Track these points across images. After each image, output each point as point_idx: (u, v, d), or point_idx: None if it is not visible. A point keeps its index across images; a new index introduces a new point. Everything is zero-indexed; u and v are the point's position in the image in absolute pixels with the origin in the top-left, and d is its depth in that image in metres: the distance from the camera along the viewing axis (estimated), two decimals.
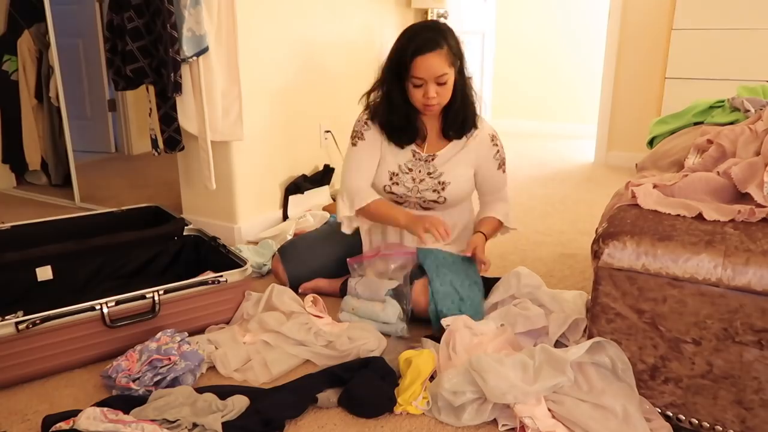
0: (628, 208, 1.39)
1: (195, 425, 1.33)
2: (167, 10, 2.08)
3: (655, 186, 1.44)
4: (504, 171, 1.94)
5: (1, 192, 3.52)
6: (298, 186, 2.76)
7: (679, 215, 1.33)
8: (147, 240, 2.09)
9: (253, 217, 2.61)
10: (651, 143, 2.28)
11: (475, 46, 4.19)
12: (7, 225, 2.06)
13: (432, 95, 1.71)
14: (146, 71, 2.25)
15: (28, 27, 3.31)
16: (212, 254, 2.07)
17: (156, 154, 2.41)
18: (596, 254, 1.31)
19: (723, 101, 2.17)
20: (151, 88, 2.31)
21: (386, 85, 1.79)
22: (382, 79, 1.81)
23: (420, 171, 1.87)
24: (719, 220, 1.29)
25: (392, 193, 1.89)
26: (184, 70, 2.21)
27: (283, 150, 2.74)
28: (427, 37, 1.69)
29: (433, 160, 1.87)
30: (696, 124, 2.16)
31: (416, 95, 1.74)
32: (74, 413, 1.33)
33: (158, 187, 3.42)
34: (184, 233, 2.18)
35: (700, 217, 1.31)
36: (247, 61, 2.36)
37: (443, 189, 1.86)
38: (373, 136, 1.88)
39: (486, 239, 1.90)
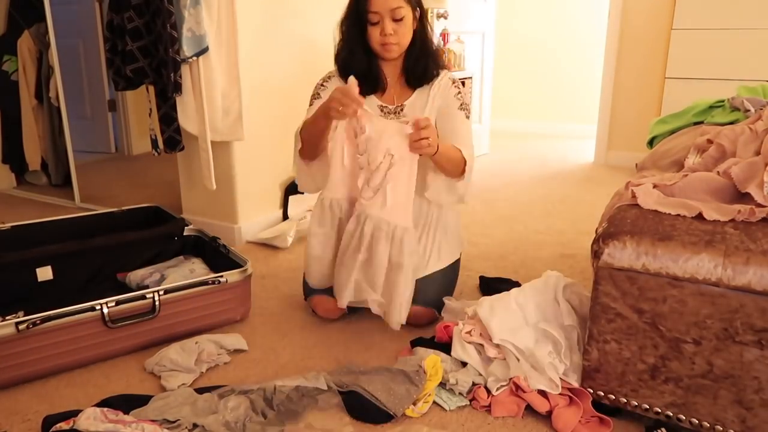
0: (628, 208, 1.39)
1: (195, 425, 1.33)
2: (167, 10, 2.08)
3: (655, 186, 1.44)
4: (467, 116, 1.82)
5: (1, 192, 3.52)
6: (298, 186, 2.76)
7: (679, 215, 1.33)
8: (147, 240, 2.09)
9: (253, 217, 2.61)
10: (651, 143, 2.28)
11: (475, 46, 4.19)
12: (7, 225, 2.06)
13: (389, 31, 1.68)
14: (146, 71, 2.25)
15: (28, 27, 3.31)
16: (212, 254, 2.07)
17: (156, 154, 2.41)
18: (596, 254, 1.31)
19: (723, 101, 2.17)
20: (151, 88, 2.31)
21: (346, 34, 1.77)
22: (342, 31, 1.78)
23: None
24: (719, 220, 1.29)
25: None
26: (184, 70, 2.21)
27: (283, 150, 2.73)
28: None
29: (401, 110, 1.82)
30: (696, 124, 2.16)
31: (374, 34, 1.70)
32: (74, 413, 1.33)
33: (158, 187, 3.42)
34: (184, 233, 2.18)
35: (700, 217, 1.31)
36: (247, 61, 2.36)
37: None
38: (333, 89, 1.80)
39: (437, 150, 1.60)
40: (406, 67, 1.81)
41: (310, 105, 1.83)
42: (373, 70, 1.79)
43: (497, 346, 1.50)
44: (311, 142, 1.72)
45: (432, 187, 1.75)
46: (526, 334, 1.50)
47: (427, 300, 1.80)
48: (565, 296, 1.58)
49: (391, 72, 1.82)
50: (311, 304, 1.89)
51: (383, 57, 1.76)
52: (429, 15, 3.75)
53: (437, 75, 1.82)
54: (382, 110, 1.82)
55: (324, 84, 1.85)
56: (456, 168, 1.70)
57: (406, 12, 1.69)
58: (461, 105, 1.82)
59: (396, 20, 1.68)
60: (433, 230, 1.89)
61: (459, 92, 1.83)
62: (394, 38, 1.70)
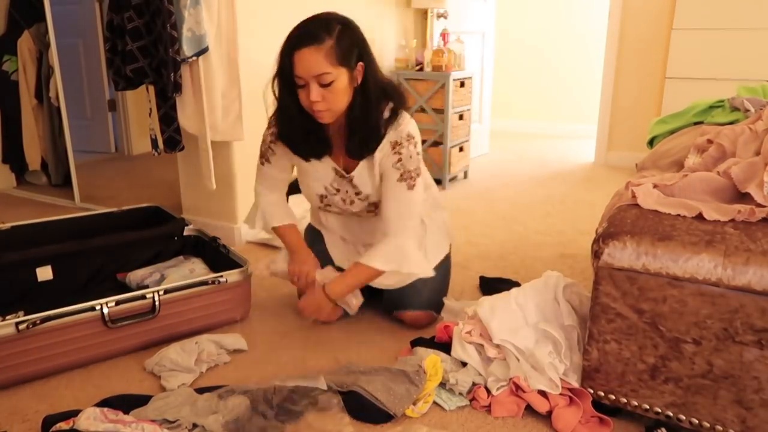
0: (628, 208, 1.39)
1: (195, 425, 1.33)
2: (167, 10, 2.08)
3: (655, 186, 1.44)
4: (409, 187, 1.62)
5: (1, 192, 3.52)
6: (297, 186, 2.75)
7: (679, 215, 1.33)
8: (147, 240, 2.09)
9: None
10: (651, 143, 2.28)
11: (475, 46, 4.19)
12: (7, 225, 2.06)
13: (315, 98, 1.48)
14: (146, 71, 2.25)
15: (28, 27, 3.31)
16: (212, 254, 2.07)
17: (156, 154, 2.41)
18: (596, 254, 1.31)
19: (723, 101, 2.17)
20: (151, 88, 2.31)
21: (279, 96, 1.59)
22: (274, 91, 1.60)
23: (347, 191, 1.71)
24: (719, 220, 1.29)
25: (328, 211, 1.83)
26: (184, 70, 2.21)
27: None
28: (307, 30, 1.50)
29: (352, 180, 1.68)
30: (696, 124, 2.16)
31: (303, 98, 1.52)
32: (74, 413, 1.33)
33: (158, 187, 3.42)
34: (184, 233, 2.18)
35: (700, 217, 1.31)
36: (247, 61, 2.36)
37: (376, 207, 1.73)
38: (280, 158, 1.74)
39: (329, 297, 1.71)
40: (347, 136, 1.62)
41: (261, 164, 1.78)
42: (315, 133, 1.63)
43: (497, 346, 1.50)
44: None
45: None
46: (526, 335, 1.50)
47: (422, 302, 1.80)
48: (565, 296, 1.58)
49: (336, 131, 1.65)
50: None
51: (318, 120, 1.58)
52: (429, 15, 3.76)
53: (384, 136, 1.61)
54: (336, 173, 1.70)
55: (272, 147, 1.73)
56: (370, 278, 1.70)
57: (336, 76, 1.48)
58: (401, 176, 1.62)
59: (323, 85, 1.48)
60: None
61: (399, 159, 1.61)
62: (322, 105, 1.51)
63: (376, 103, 1.58)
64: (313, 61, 1.46)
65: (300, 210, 2.76)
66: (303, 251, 1.82)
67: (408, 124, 1.64)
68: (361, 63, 1.54)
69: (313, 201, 1.81)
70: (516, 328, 1.51)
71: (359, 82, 1.55)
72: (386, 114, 1.62)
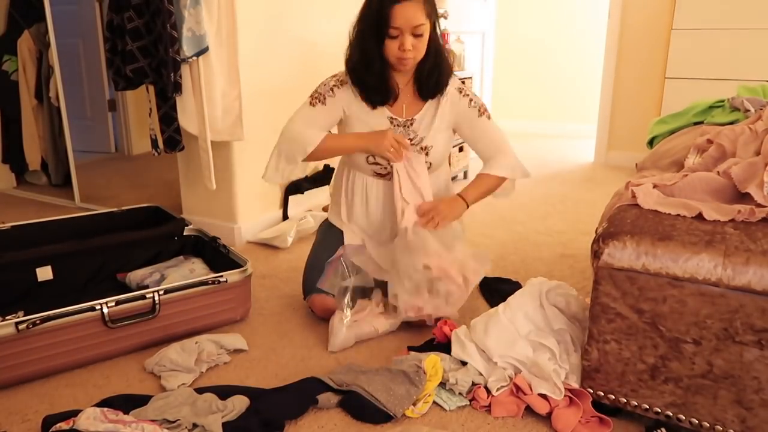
0: (628, 208, 1.39)
1: (195, 425, 1.33)
2: (167, 10, 2.08)
3: (655, 186, 1.44)
4: (488, 117, 1.86)
5: (1, 192, 3.52)
6: (298, 186, 2.76)
7: (679, 215, 1.33)
8: (147, 240, 2.09)
9: (253, 217, 2.61)
10: (651, 143, 2.29)
11: (475, 46, 4.19)
12: (7, 225, 2.06)
13: (408, 47, 1.66)
14: (146, 71, 2.25)
15: (28, 27, 3.31)
16: (212, 254, 2.07)
17: (156, 154, 2.41)
18: (596, 254, 1.31)
19: (723, 101, 2.17)
20: (151, 88, 2.31)
21: (361, 42, 1.72)
22: (356, 38, 1.74)
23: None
24: (719, 220, 1.29)
25: (377, 163, 1.83)
26: (184, 70, 2.21)
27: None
28: None
29: (411, 124, 1.82)
30: (696, 124, 2.16)
31: (391, 48, 1.68)
32: (74, 413, 1.33)
33: (158, 187, 3.42)
34: (184, 233, 2.18)
35: (700, 217, 1.31)
36: (247, 61, 2.36)
37: (427, 154, 1.83)
38: (336, 104, 1.81)
39: (467, 204, 1.84)
40: (417, 79, 1.79)
41: (311, 105, 1.81)
42: (387, 82, 1.77)
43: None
44: (327, 154, 1.83)
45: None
46: (523, 345, 1.51)
47: None
48: (549, 300, 1.58)
49: (402, 82, 1.81)
50: (310, 303, 1.90)
51: (397, 70, 1.75)
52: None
53: (446, 85, 1.81)
54: (392, 122, 1.81)
55: (333, 90, 1.80)
56: (497, 186, 1.88)
57: (426, 27, 1.68)
58: (479, 110, 1.83)
59: (416, 36, 1.67)
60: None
61: (471, 99, 1.83)
62: (412, 53, 1.68)
63: (443, 53, 1.79)
64: (412, 13, 1.63)
65: (300, 210, 2.77)
66: (369, 132, 1.80)
67: (456, 78, 1.87)
68: (434, 18, 1.73)
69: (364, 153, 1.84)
70: (512, 342, 1.52)
71: (433, 34, 1.74)
72: None
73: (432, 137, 1.82)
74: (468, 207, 1.84)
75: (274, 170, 1.85)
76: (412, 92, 1.82)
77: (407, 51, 1.67)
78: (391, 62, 1.72)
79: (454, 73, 1.87)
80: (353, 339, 1.73)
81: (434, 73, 1.77)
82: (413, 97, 1.82)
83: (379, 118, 1.81)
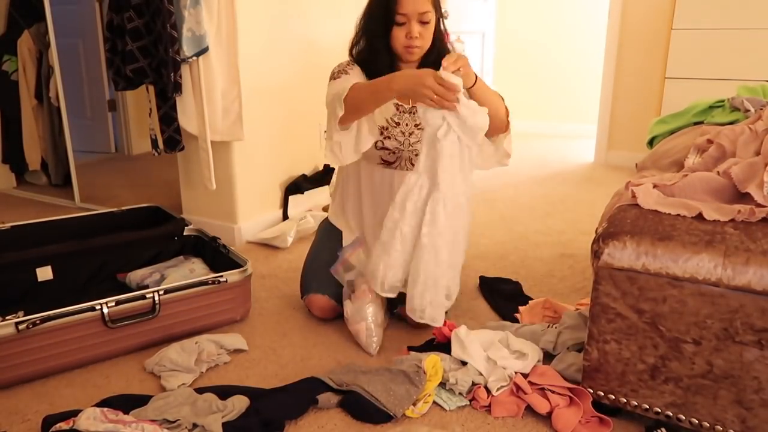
0: (628, 208, 1.39)
1: (195, 425, 1.33)
2: (167, 10, 2.08)
3: (655, 186, 1.44)
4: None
5: (1, 192, 3.52)
6: (298, 186, 2.76)
7: (679, 215, 1.33)
8: (147, 240, 2.09)
9: (253, 217, 2.61)
10: (651, 143, 2.28)
11: (475, 46, 4.19)
12: (7, 225, 2.06)
13: (415, 35, 1.67)
14: (146, 71, 2.25)
15: (28, 27, 3.31)
16: (212, 254, 2.06)
17: (156, 154, 2.41)
18: (596, 254, 1.31)
19: (723, 101, 2.17)
20: (151, 88, 2.31)
21: (369, 30, 1.75)
22: (364, 27, 1.77)
23: (407, 124, 1.82)
24: (719, 220, 1.29)
25: (385, 148, 1.81)
26: (184, 70, 2.21)
27: (283, 150, 2.74)
28: None
29: (416, 111, 1.80)
30: (696, 124, 2.16)
31: (399, 36, 1.69)
32: (74, 413, 1.33)
33: (158, 187, 3.42)
34: (184, 233, 2.18)
35: (700, 217, 1.31)
36: (247, 61, 2.36)
37: None
38: (353, 78, 1.75)
39: (476, 81, 1.60)
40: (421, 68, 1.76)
41: (336, 79, 1.75)
42: (393, 70, 1.73)
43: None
44: (361, 105, 1.61)
45: (481, 155, 1.69)
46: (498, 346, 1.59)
47: None
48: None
49: (408, 68, 1.78)
50: (307, 302, 1.90)
51: (404, 58, 1.75)
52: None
53: None
54: (398, 108, 1.82)
55: (347, 70, 1.77)
56: (499, 105, 1.68)
57: (432, 15, 1.69)
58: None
59: (423, 23, 1.68)
60: None
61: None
62: (419, 41, 1.69)
63: (446, 44, 1.80)
64: (419, 0, 1.65)
65: (300, 210, 2.77)
66: (402, 71, 1.63)
67: None
68: (438, 8, 1.74)
69: (374, 134, 1.77)
70: (488, 344, 1.58)
71: (438, 25, 1.74)
72: None
73: None
74: (475, 83, 1.61)
75: (335, 146, 1.71)
76: None
77: (414, 39, 1.68)
78: (398, 52, 1.73)
79: None
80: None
81: (438, 64, 1.76)
82: None
83: (386, 106, 1.80)
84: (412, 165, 1.82)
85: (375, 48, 1.74)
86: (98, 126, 4.15)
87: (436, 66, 1.54)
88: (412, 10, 1.66)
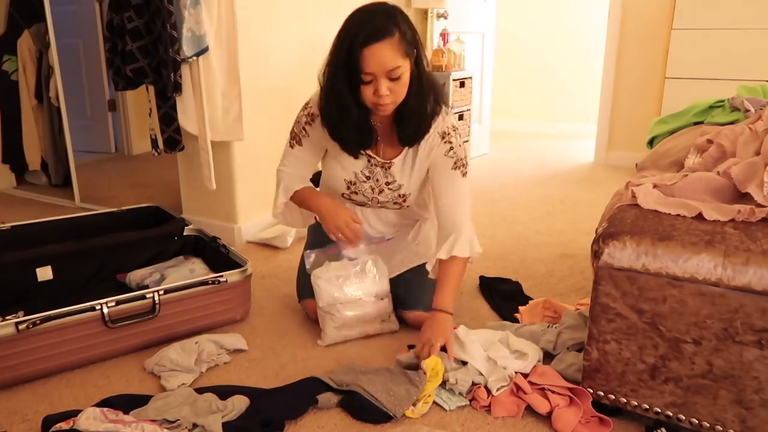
0: (628, 208, 1.39)
1: (195, 425, 1.33)
2: (167, 10, 2.08)
3: (655, 186, 1.44)
4: (463, 174, 1.65)
5: (1, 192, 3.52)
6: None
7: (679, 215, 1.33)
8: (147, 240, 2.09)
9: (253, 217, 2.61)
10: (651, 143, 2.28)
11: (475, 46, 4.19)
12: (7, 225, 2.06)
13: (384, 93, 1.47)
14: (146, 71, 2.25)
15: (28, 27, 3.31)
16: (212, 254, 2.06)
17: (156, 154, 2.41)
18: (596, 254, 1.31)
19: (723, 101, 2.17)
20: (151, 88, 2.31)
21: (334, 88, 1.52)
22: (328, 83, 1.54)
23: (378, 180, 1.70)
24: (719, 220, 1.29)
25: (351, 200, 1.77)
26: (184, 70, 2.21)
27: (283, 150, 2.73)
28: (375, 23, 1.43)
29: (390, 167, 1.68)
30: (696, 124, 2.16)
31: (367, 93, 1.49)
32: (74, 413, 1.33)
33: (158, 187, 3.42)
34: (184, 233, 2.18)
35: (700, 217, 1.31)
36: (247, 61, 2.36)
37: (404, 201, 1.74)
38: (312, 141, 1.70)
39: (450, 313, 1.62)
40: (397, 122, 1.61)
41: (291, 147, 1.74)
42: (366, 129, 1.61)
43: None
44: (302, 207, 1.80)
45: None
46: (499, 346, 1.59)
47: (426, 303, 1.80)
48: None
49: (383, 123, 1.65)
50: (304, 306, 1.90)
51: (376, 112, 1.58)
52: (429, 15, 3.76)
53: (431, 126, 1.63)
54: (369, 161, 1.69)
55: (305, 130, 1.70)
56: (464, 270, 1.71)
57: (404, 69, 1.48)
58: (455, 164, 1.65)
59: (392, 79, 1.47)
60: (425, 233, 1.91)
61: (451, 148, 1.65)
62: (389, 98, 1.50)
63: (427, 92, 1.58)
64: (387, 56, 1.44)
65: None
66: (332, 204, 1.69)
67: (450, 116, 1.69)
68: (415, 52, 1.52)
69: (339, 186, 1.74)
70: (488, 344, 1.58)
71: (415, 71, 1.53)
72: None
73: (410, 183, 1.71)
74: (452, 314, 1.63)
75: (278, 208, 1.79)
76: (392, 134, 1.65)
77: (383, 97, 1.48)
78: (369, 107, 1.55)
79: (447, 109, 1.69)
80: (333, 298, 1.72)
81: (413, 120, 1.59)
82: (393, 139, 1.66)
83: (354, 159, 1.69)
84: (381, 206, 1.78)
85: (343, 108, 1.55)
86: (98, 126, 4.15)
87: (411, 123, 1.58)
88: (378, 68, 1.44)
